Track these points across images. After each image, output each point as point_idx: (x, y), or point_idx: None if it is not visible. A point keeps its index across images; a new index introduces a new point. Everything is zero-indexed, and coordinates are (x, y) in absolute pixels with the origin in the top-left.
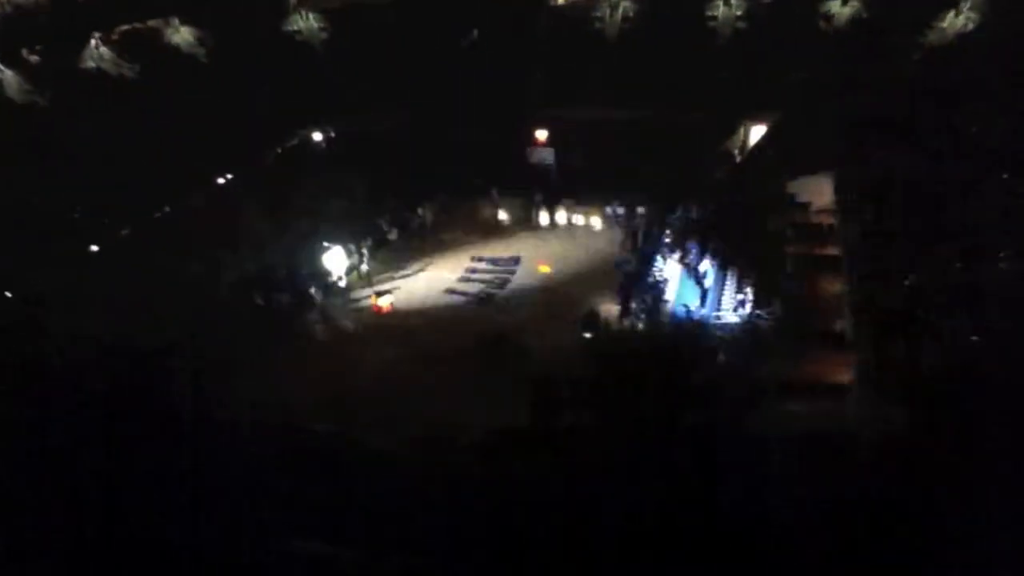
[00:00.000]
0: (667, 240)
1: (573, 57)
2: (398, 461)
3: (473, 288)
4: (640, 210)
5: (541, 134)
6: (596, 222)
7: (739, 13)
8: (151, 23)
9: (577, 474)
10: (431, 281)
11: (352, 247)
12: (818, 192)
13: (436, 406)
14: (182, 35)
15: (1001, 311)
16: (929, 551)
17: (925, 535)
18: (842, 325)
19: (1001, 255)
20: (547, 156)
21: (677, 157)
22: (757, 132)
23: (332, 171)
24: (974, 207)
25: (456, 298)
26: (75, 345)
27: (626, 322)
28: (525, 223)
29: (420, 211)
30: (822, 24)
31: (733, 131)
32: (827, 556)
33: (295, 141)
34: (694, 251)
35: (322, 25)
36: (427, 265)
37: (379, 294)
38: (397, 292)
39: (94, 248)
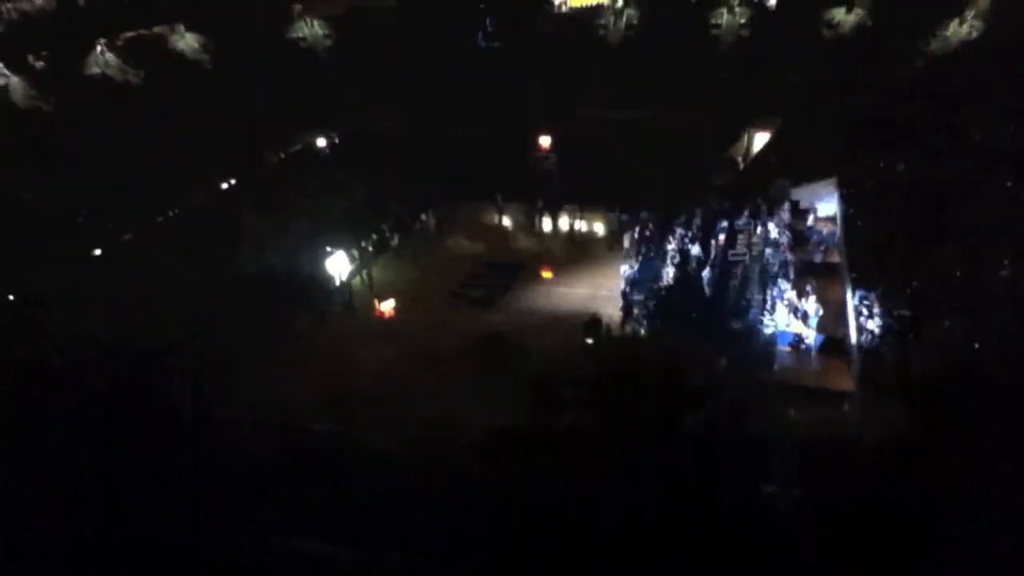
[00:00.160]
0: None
1: (577, 63)
2: (398, 461)
3: (476, 293)
4: (643, 215)
5: (544, 140)
6: (599, 228)
7: (743, 21)
8: (156, 29)
9: (576, 474)
10: (433, 286)
11: (355, 252)
12: (820, 197)
13: (436, 407)
14: (187, 41)
15: (1001, 314)
16: (928, 552)
17: (924, 536)
18: (843, 329)
19: (1004, 262)
20: (550, 162)
21: (681, 163)
22: (761, 139)
23: (335, 175)
24: (975, 210)
25: (458, 303)
26: (75, 345)
27: (628, 328)
28: (528, 228)
29: (423, 216)
30: (825, 32)
31: (737, 138)
32: (826, 557)
33: (298, 145)
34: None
35: (326, 32)
36: (430, 270)
37: (381, 298)
38: (399, 297)
39: (97, 252)
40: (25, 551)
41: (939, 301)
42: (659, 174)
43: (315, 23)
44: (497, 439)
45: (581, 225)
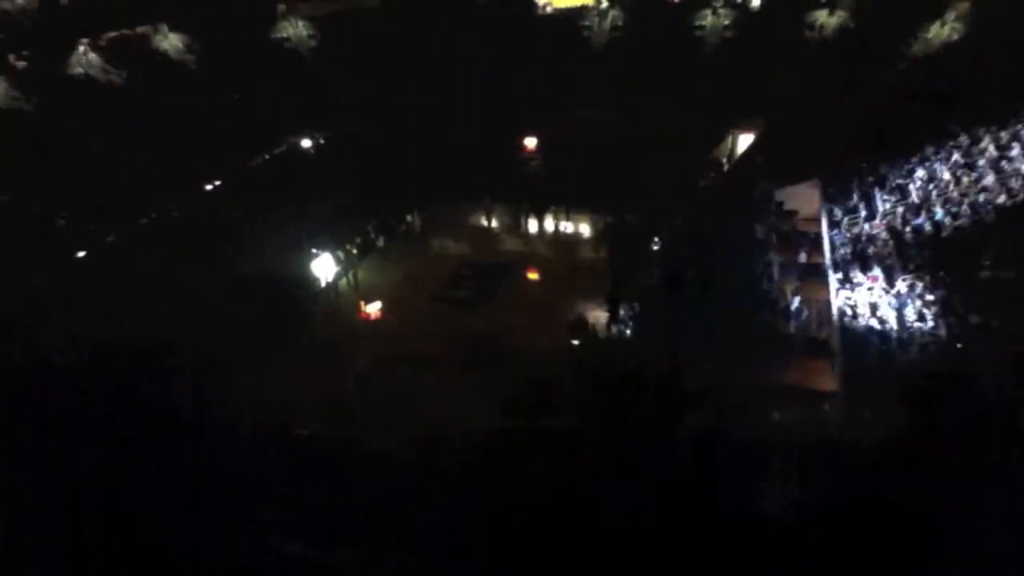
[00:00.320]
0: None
1: (562, 64)
2: (391, 461)
3: (461, 294)
4: (629, 216)
5: (530, 142)
6: (585, 229)
7: (727, 22)
8: (140, 29)
9: (566, 475)
10: (419, 287)
11: (340, 253)
12: (804, 200)
13: (422, 409)
14: (170, 41)
15: (987, 316)
16: (918, 553)
17: (913, 537)
18: (827, 331)
19: (986, 263)
20: (535, 163)
21: (666, 164)
22: (745, 140)
23: (320, 177)
24: (956, 212)
25: (444, 304)
26: (75, 345)
27: (614, 329)
28: (514, 230)
29: (409, 218)
30: (808, 34)
31: (721, 139)
32: (816, 558)
33: (283, 147)
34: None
35: (311, 32)
36: (415, 271)
37: (367, 300)
38: (385, 298)
39: (80, 254)
40: (25, 551)
41: (924, 302)
42: (644, 175)
43: (299, 23)
44: (483, 440)
45: (567, 226)
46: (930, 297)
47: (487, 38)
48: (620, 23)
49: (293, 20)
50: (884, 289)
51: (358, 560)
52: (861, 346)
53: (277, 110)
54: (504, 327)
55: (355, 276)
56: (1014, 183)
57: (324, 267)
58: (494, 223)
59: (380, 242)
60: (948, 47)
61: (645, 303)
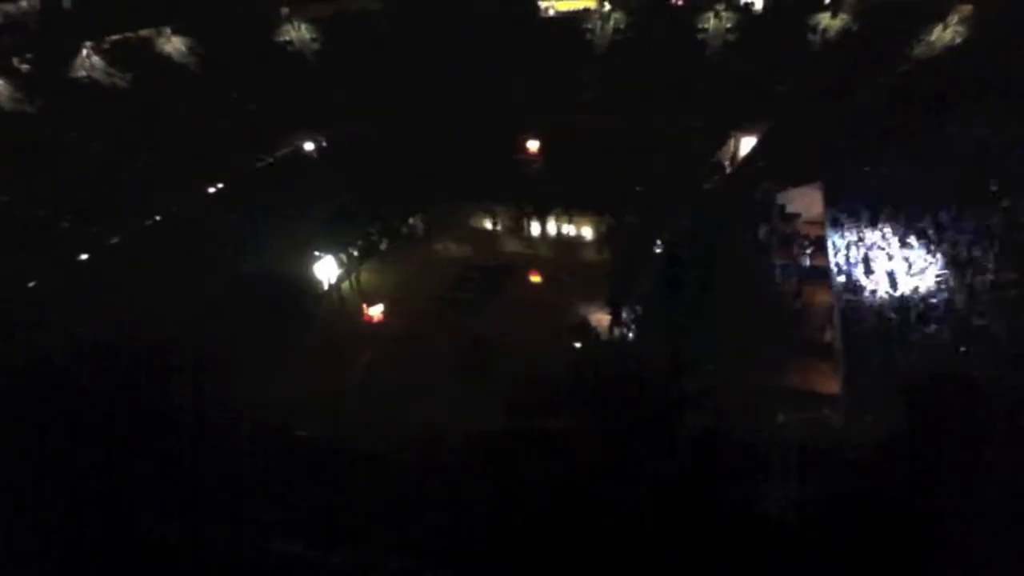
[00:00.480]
0: None
1: (564, 66)
2: (392, 461)
3: (464, 297)
4: (631, 218)
5: (532, 143)
6: (587, 231)
7: (729, 25)
8: (143, 32)
9: (566, 476)
10: (422, 289)
11: (343, 256)
12: (806, 202)
13: (425, 411)
14: (174, 44)
15: (988, 318)
16: (918, 554)
17: (914, 537)
18: (831, 333)
19: (990, 266)
20: (537, 165)
21: (668, 167)
22: (747, 143)
23: (323, 179)
24: (959, 214)
25: (447, 307)
26: (75, 345)
27: (616, 331)
28: (516, 232)
29: (411, 220)
30: (811, 36)
31: (723, 142)
32: (816, 559)
33: (286, 149)
34: None
35: (313, 35)
36: (418, 274)
37: (370, 303)
38: (388, 301)
39: (83, 256)
40: (25, 551)
41: (927, 304)
42: (646, 177)
43: (302, 26)
44: (483, 442)
45: (569, 229)
46: (933, 300)
47: (489, 40)
48: (623, 25)
49: (296, 23)
50: (887, 291)
51: (358, 560)
52: (863, 348)
53: (280, 112)
54: (506, 329)
55: (358, 278)
56: (1016, 183)
57: (327, 269)
58: (497, 225)
59: (383, 244)
60: (951, 49)
61: (647, 305)
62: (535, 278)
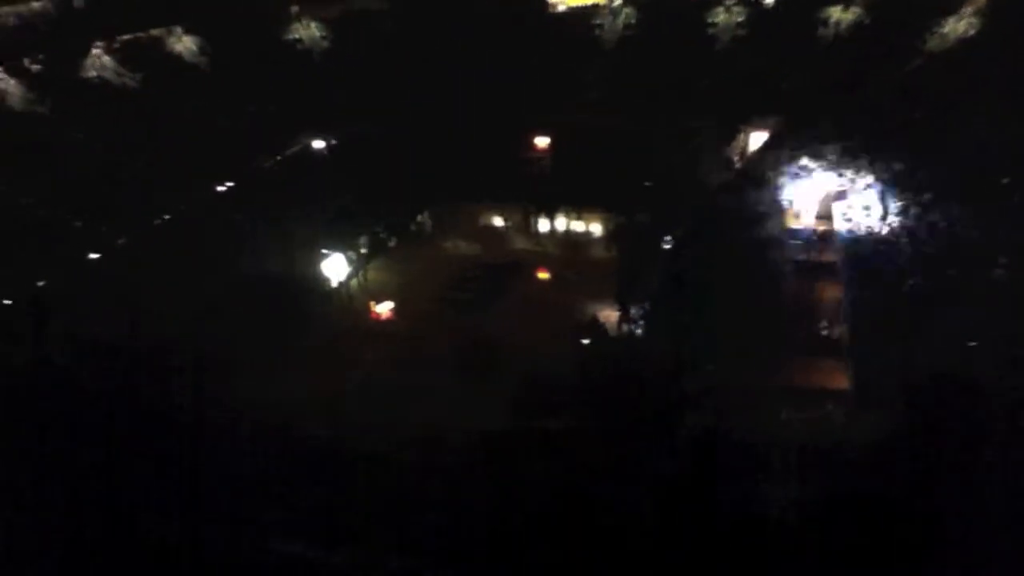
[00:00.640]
0: None
1: (573, 63)
2: (393, 462)
3: (468, 296)
4: (639, 216)
5: (540, 141)
6: (595, 228)
7: (740, 20)
8: (153, 32)
9: (566, 475)
10: (430, 287)
11: (352, 254)
12: (816, 199)
13: (432, 408)
14: (184, 44)
15: (994, 316)
16: (918, 552)
17: (914, 537)
18: (838, 330)
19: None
20: (545, 163)
21: (676, 163)
22: (757, 138)
23: (332, 178)
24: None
25: (454, 304)
26: (75, 345)
27: (624, 328)
28: (524, 229)
29: (419, 218)
30: (822, 30)
31: (733, 137)
32: (816, 558)
33: (295, 148)
34: None
35: (323, 34)
36: (426, 271)
37: (378, 301)
38: (396, 298)
39: (93, 255)
40: (25, 551)
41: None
42: (655, 174)
43: (312, 25)
44: (492, 441)
45: (577, 226)
46: (939, 298)
47: (497, 38)
48: (633, 21)
49: (305, 22)
50: (895, 287)
51: (358, 560)
52: (871, 345)
53: (288, 111)
54: (513, 327)
55: (366, 275)
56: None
57: (335, 267)
58: (505, 223)
59: (391, 242)
60: (964, 42)
61: (655, 302)
62: (543, 275)
